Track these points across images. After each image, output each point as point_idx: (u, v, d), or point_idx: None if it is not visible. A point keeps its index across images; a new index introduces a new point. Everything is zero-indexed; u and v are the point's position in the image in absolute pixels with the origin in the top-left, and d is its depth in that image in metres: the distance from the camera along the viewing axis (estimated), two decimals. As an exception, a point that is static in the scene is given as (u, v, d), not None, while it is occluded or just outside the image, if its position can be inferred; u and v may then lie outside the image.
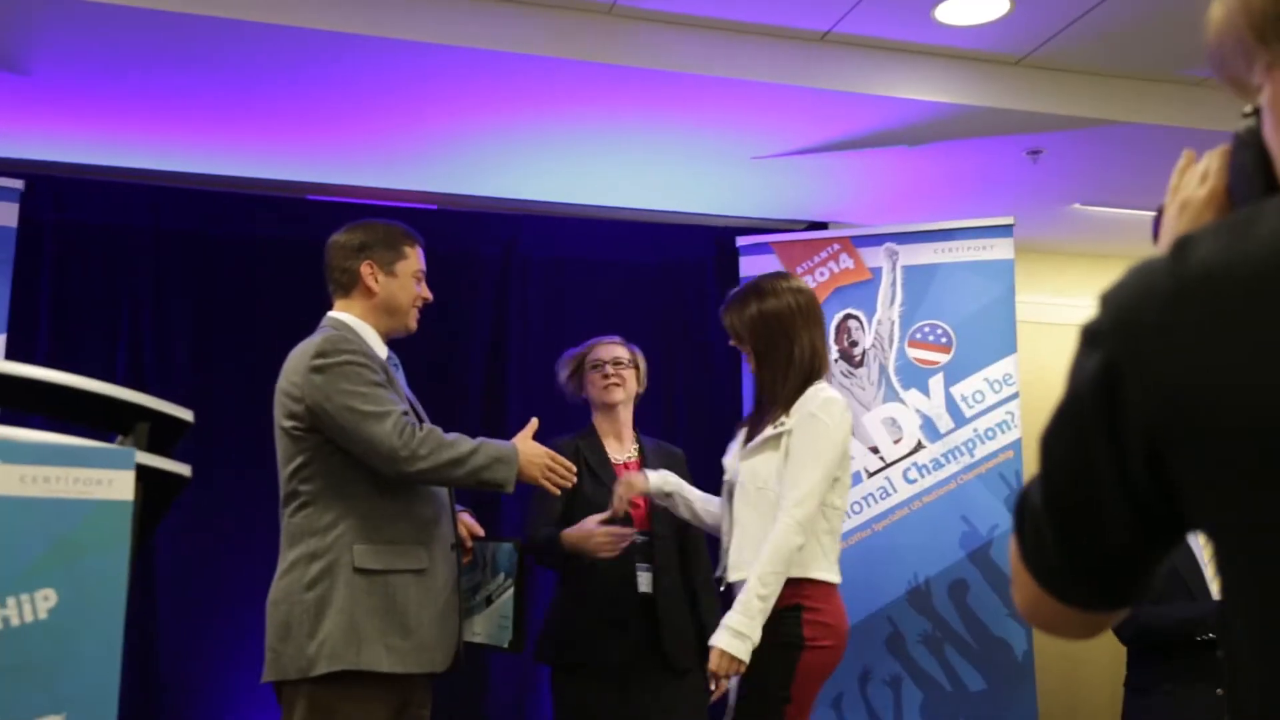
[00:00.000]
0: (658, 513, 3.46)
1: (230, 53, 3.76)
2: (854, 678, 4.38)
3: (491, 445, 2.83)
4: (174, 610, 4.46)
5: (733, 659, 2.72)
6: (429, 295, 3.07)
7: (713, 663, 2.73)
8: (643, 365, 3.70)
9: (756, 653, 2.76)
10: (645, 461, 3.58)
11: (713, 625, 3.16)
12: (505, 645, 3.06)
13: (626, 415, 3.66)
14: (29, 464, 1.81)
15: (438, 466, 2.76)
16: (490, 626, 3.08)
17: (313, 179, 4.86)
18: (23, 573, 1.77)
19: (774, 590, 2.77)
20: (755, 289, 3.04)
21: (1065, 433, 0.96)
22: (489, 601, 3.09)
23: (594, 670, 3.40)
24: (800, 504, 2.81)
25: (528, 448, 2.88)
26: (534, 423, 2.96)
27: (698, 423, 5.08)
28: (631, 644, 3.40)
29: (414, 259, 3.03)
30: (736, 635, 2.73)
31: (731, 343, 3.11)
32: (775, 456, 2.91)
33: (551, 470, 2.89)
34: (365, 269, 2.99)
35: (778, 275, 3.11)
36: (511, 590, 3.07)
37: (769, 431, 2.93)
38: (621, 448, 3.64)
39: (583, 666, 3.41)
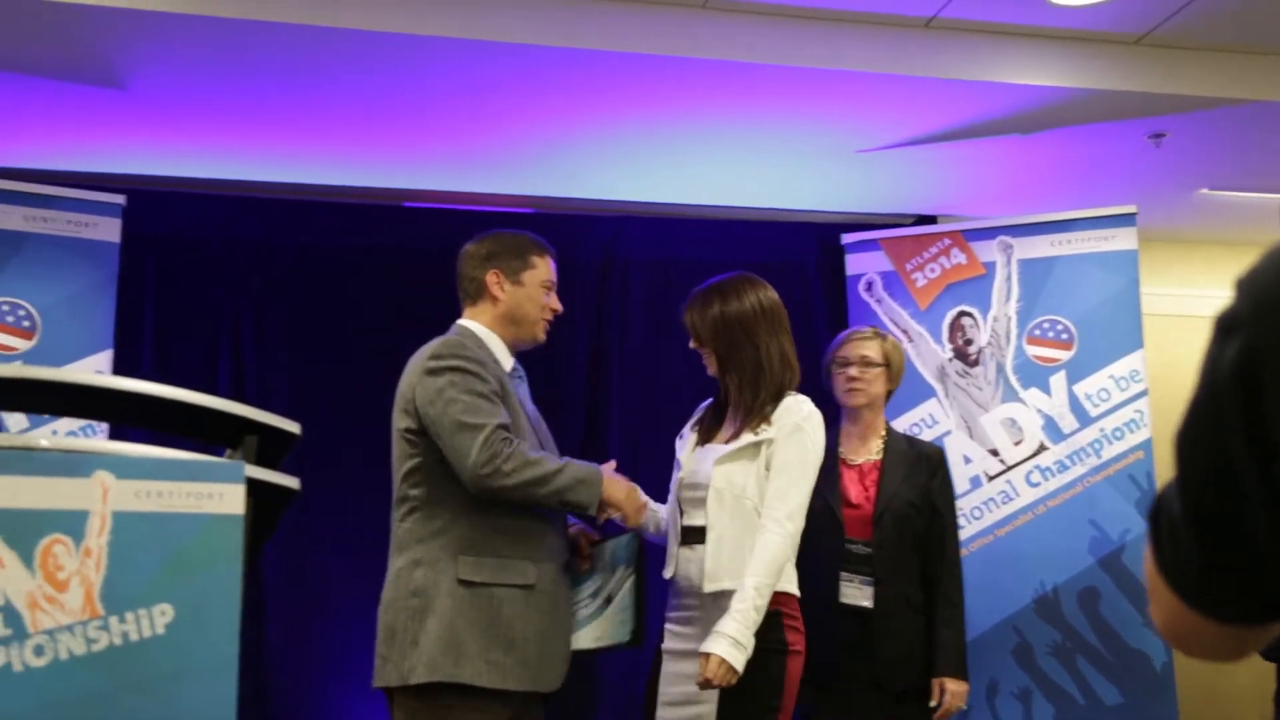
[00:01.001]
0: (884, 520, 3.38)
1: (324, 60, 3.82)
2: (981, 690, 4.28)
3: (576, 466, 2.86)
4: (282, 621, 4.55)
5: (731, 669, 2.69)
6: (558, 306, 3.09)
7: (711, 671, 2.68)
8: (897, 360, 3.58)
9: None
10: (885, 462, 3.49)
11: (948, 642, 3.25)
12: (626, 639, 2.98)
13: (873, 417, 3.55)
14: (143, 479, 1.86)
15: (522, 484, 2.77)
16: (611, 626, 3.03)
17: (408, 185, 4.92)
18: (141, 588, 1.81)
19: (767, 601, 2.78)
20: (718, 289, 3.01)
21: (1201, 431, 0.90)
22: (608, 601, 3.05)
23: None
24: (792, 518, 2.84)
25: (611, 475, 2.91)
26: (612, 464, 2.99)
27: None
28: (836, 664, 3.31)
29: (543, 269, 3.06)
30: (736, 645, 2.70)
31: (691, 344, 3.07)
32: (753, 466, 2.89)
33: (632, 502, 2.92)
34: (491, 278, 3.02)
35: (743, 278, 3.06)
36: (631, 580, 3.02)
37: (748, 438, 2.90)
38: (864, 447, 3.54)
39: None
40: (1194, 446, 0.91)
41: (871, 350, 3.52)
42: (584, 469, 2.86)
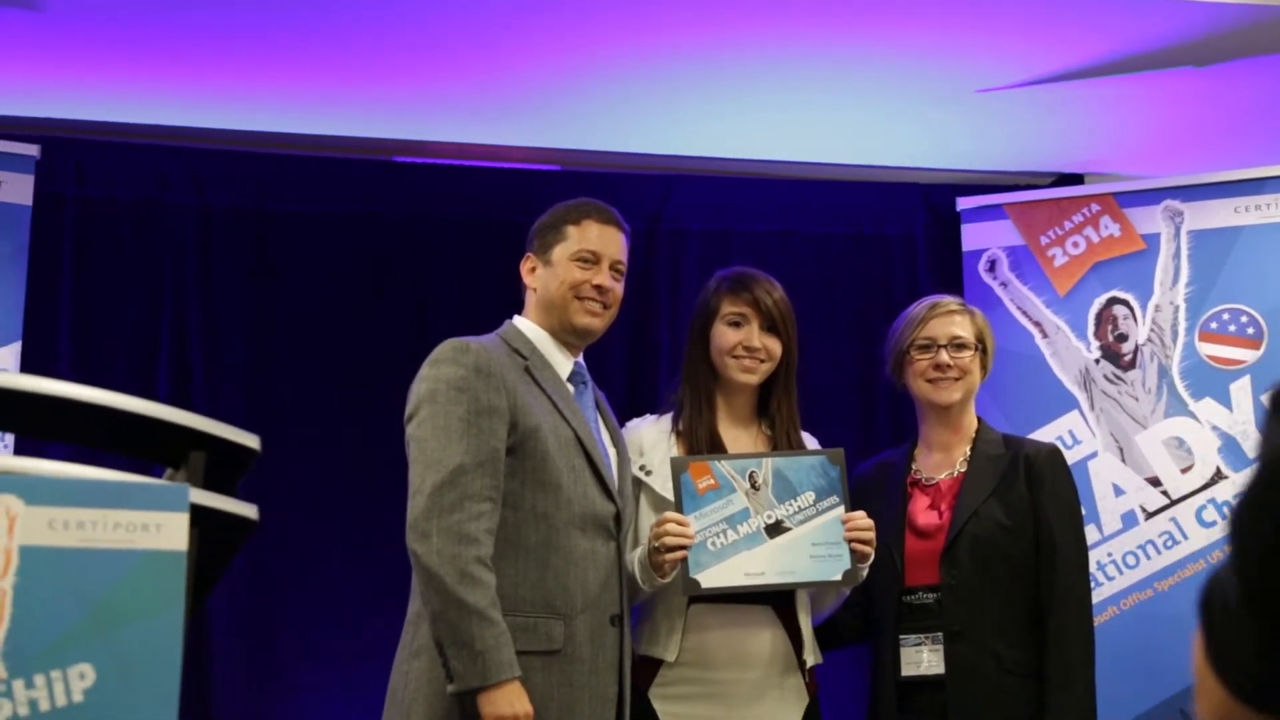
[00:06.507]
0: (958, 550, 3.29)
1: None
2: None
3: (500, 644, 2.75)
4: (232, 681, 4.59)
5: None
6: (597, 279, 3.12)
7: None
8: (991, 341, 3.52)
9: None
10: (969, 473, 3.40)
11: (1061, 715, 3.20)
12: (838, 577, 3.14)
13: (963, 416, 3.48)
14: (59, 506, 1.86)
15: (435, 576, 2.75)
16: (793, 559, 3.13)
17: (400, 135, 4.96)
18: (53, 644, 1.81)
19: None
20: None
21: (1257, 515, 1.05)
22: (777, 530, 3.15)
23: None
24: None
25: (522, 704, 2.78)
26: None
27: (906, 433, 5.03)
28: None
29: (574, 238, 3.13)
30: None
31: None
32: None
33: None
34: (525, 265, 3.17)
35: None
36: (840, 510, 3.18)
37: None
38: (947, 459, 3.46)
39: None
40: (1249, 533, 1.06)
41: (963, 327, 3.45)
42: (499, 660, 2.74)
